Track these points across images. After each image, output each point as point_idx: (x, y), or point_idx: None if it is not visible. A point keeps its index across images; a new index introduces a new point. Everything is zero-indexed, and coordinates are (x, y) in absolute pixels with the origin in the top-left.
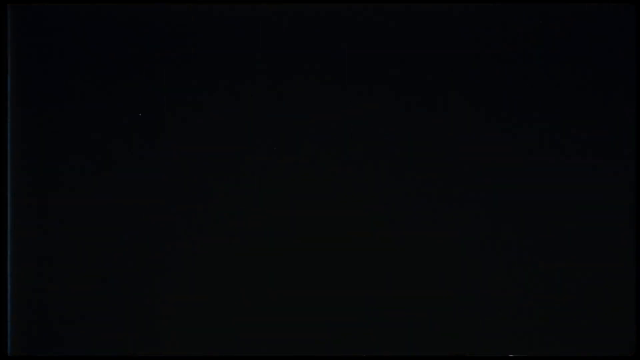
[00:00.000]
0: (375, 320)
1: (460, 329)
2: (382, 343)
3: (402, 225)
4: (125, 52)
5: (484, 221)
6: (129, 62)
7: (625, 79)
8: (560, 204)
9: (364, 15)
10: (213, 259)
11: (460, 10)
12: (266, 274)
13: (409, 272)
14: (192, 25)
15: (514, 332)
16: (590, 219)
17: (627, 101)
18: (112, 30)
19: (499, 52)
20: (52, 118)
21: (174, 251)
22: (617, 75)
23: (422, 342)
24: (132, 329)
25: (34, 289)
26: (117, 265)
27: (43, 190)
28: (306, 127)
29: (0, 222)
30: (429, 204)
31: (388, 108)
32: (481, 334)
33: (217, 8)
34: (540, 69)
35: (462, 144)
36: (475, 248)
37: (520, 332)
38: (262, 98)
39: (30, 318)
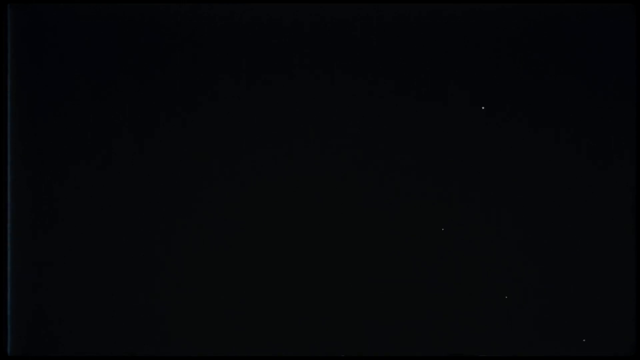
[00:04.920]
0: (375, 321)
1: (460, 329)
2: (382, 343)
3: (402, 224)
4: (125, 52)
5: (483, 221)
6: (129, 62)
7: (625, 79)
8: (560, 204)
9: (363, 15)
10: (212, 261)
11: (462, 11)
12: (266, 274)
13: (410, 272)
14: (192, 25)
15: (514, 332)
16: (591, 219)
17: (627, 101)
18: (112, 30)
19: (498, 53)
20: (52, 117)
21: (172, 252)
22: (617, 75)
23: (422, 342)
24: (131, 329)
25: (34, 290)
26: (117, 266)
27: (43, 191)
28: (305, 126)
29: (0, 222)
30: (429, 204)
31: (388, 108)
32: (481, 334)
33: (217, 8)
34: (540, 69)
35: (462, 146)
36: (475, 248)
37: (520, 332)
38: (262, 98)
39: (30, 318)
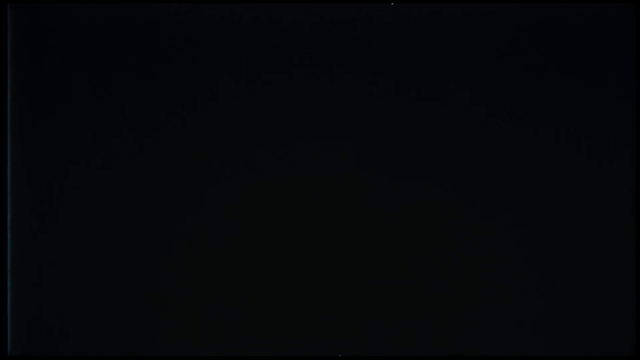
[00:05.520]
0: (375, 321)
1: (460, 329)
2: (382, 343)
3: (402, 224)
4: (125, 52)
5: (483, 221)
6: (129, 62)
7: (625, 79)
8: (560, 204)
9: (363, 15)
10: (213, 261)
11: (462, 11)
12: (266, 274)
13: (410, 272)
14: (192, 25)
15: (514, 332)
16: (591, 219)
17: (627, 101)
18: (112, 30)
19: (498, 53)
20: (52, 117)
21: (173, 252)
22: (617, 75)
23: (422, 342)
24: (131, 329)
25: (34, 290)
26: (117, 266)
27: (43, 191)
28: (305, 126)
29: (0, 222)
30: (429, 204)
31: (388, 108)
32: (481, 334)
33: (217, 8)
34: (540, 69)
35: (462, 146)
36: (475, 248)
37: (520, 332)
38: (262, 98)
39: (30, 318)
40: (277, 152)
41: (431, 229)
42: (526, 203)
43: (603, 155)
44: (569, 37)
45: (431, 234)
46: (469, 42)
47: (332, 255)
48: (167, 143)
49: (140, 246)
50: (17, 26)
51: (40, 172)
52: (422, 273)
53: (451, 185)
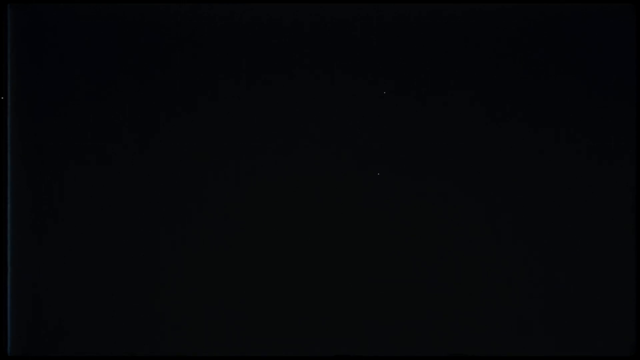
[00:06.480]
0: (375, 321)
1: (460, 329)
2: (382, 343)
3: (402, 224)
4: (125, 52)
5: (484, 221)
6: (129, 62)
7: (625, 79)
8: (560, 204)
9: (363, 15)
10: (213, 261)
11: (462, 11)
12: (266, 274)
13: (410, 272)
14: (192, 25)
15: (514, 332)
16: (591, 219)
17: (627, 101)
18: (112, 30)
19: (498, 53)
20: (52, 117)
21: (172, 252)
22: (617, 75)
23: (422, 342)
24: (131, 329)
25: (34, 289)
26: (117, 266)
27: (43, 191)
28: (305, 126)
29: (0, 222)
30: (429, 204)
31: (388, 108)
32: (481, 334)
33: (217, 8)
34: (539, 70)
35: (462, 146)
36: (475, 248)
37: (520, 332)
38: (262, 98)
39: (30, 318)
40: (277, 152)
41: (431, 228)
42: (526, 203)
43: (603, 155)
44: (569, 37)
45: (431, 234)
46: (469, 42)
47: (332, 255)
48: (167, 143)
49: (140, 246)
50: (17, 26)
51: (40, 172)
52: (422, 273)
53: (451, 185)
